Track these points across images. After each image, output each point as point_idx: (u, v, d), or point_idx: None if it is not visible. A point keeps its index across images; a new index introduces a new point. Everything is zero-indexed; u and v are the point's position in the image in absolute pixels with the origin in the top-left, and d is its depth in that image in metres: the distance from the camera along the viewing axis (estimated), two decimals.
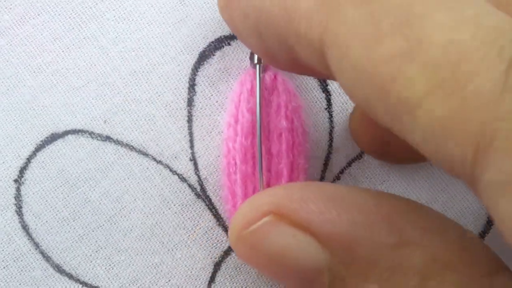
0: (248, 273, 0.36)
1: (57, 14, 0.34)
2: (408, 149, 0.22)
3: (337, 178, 0.36)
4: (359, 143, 0.35)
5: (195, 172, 0.35)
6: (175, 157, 0.35)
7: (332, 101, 0.36)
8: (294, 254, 0.24)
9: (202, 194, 0.35)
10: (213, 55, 0.36)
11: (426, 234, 0.23)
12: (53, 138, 0.34)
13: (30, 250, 0.34)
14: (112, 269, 0.35)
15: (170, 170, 0.35)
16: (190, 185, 0.35)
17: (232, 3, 0.27)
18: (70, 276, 0.34)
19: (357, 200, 0.24)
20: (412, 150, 0.21)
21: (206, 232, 0.35)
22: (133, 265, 0.35)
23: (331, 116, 0.36)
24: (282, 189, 0.26)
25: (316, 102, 0.36)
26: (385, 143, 0.33)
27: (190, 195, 0.35)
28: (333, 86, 0.36)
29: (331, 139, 0.36)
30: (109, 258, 0.35)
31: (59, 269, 0.34)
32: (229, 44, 0.36)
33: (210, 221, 0.35)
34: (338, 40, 0.21)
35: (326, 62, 0.22)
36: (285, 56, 0.25)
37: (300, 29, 0.22)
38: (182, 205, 0.35)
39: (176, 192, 0.35)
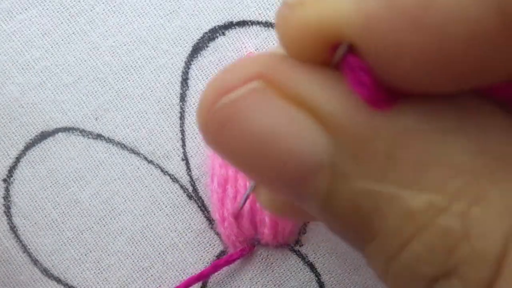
0: (242, 279, 0.33)
1: (45, 9, 0.33)
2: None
3: None
4: None
5: (187, 172, 0.33)
6: (167, 157, 0.33)
7: None
8: (287, 139, 0.17)
9: (194, 195, 0.33)
10: (207, 46, 0.33)
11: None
12: (43, 136, 0.33)
13: (18, 252, 0.33)
14: (101, 273, 0.33)
15: (162, 170, 0.33)
16: (182, 186, 0.33)
17: None
18: (58, 280, 0.33)
19: None
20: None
21: (198, 235, 0.33)
22: (122, 269, 0.33)
23: None
24: (273, 54, 0.19)
25: None
26: None
27: (182, 196, 0.33)
28: None
29: None
30: (98, 261, 0.33)
31: (47, 273, 0.33)
32: (223, 34, 0.33)
33: (202, 224, 0.33)
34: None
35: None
36: None
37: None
38: (174, 206, 0.33)
39: (167, 193, 0.33)
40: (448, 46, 0.15)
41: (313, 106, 0.17)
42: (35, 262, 0.33)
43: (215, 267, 0.32)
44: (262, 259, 0.34)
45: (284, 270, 0.34)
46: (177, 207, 0.33)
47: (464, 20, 0.15)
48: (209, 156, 0.33)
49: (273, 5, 0.33)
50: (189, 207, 0.33)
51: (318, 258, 0.34)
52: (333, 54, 0.17)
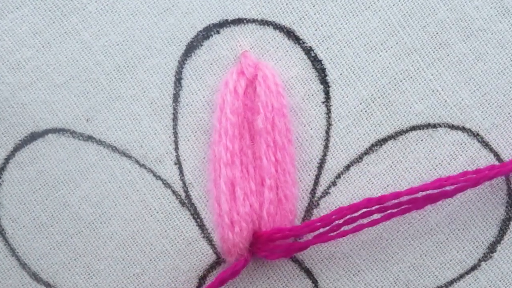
0: (238, 286, 0.32)
1: (36, 8, 0.32)
2: None
3: (333, 184, 0.32)
4: None
5: (180, 177, 0.32)
6: (159, 161, 0.32)
7: (331, 93, 0.32)
8: None
9: (187, 201, 0.32)
10: (201, 45, 0.32)
11: None
12: (32, 137, 0.32)
13: (6, 256, 0.32)
14: (91, 278, 0.32)
15: (154, 175, 0.32)
16: (174, 192, 0.32)
17: None
18: (47, 285, 0.32)
19: None
20: None
21: (190, 243, 0.32)
22: (113, 274, 0.32)
23: (329, 111, 0.32)
24: None
25: (312, 95, 0.32)
26: None
27: (174, 202, 0.32)
28: (332, 76, 0.32)
29: (327, 138, 0.32)
30: (88, 266, 0.32)
31: (36, 277, 0.32)
32: (218, 32, 0.32)
33: (194, 232, 0.32)
34: None
35: None
36: None
37: None
38: (166, 212, 0.32)
39: (159, 198, 0.32)
40: None
41: None
42: (23, 266, 0.32)
43: (221, 281, 0.31)
44: (258, 266, 0.33)
45: (280, 277, 0.33)
46: (169, 214, 0.32)
47: None
48: (210, 158, 0.32)
49: (268, 2, 0.32)
50: (181, 214, 0.32)
51: (315, 264, 0.33)
52: None
